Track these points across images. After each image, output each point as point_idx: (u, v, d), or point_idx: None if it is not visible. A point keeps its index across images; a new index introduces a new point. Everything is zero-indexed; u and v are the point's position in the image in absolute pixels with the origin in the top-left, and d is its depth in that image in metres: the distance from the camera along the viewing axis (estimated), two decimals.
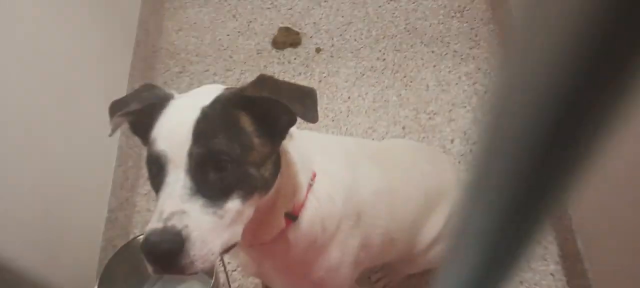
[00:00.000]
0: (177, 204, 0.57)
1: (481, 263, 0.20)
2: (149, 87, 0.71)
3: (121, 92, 1.60)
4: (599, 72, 0.11)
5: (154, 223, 0.57)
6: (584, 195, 1.22)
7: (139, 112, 0.68)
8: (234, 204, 0.61)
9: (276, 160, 0.68)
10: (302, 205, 0.75)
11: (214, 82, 1.77)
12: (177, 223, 0.56)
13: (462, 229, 0.18)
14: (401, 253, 1.03)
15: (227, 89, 0.67)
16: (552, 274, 1.30)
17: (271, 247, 0.77)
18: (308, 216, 0.75)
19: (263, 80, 0.64)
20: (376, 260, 1.01)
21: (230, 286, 1.31)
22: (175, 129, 0.62)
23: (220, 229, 0.60)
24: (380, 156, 0.97)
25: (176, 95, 0.69)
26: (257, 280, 1.34)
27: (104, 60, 1.52)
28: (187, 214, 0.57)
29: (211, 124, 0.61)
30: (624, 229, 1.06)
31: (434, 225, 1.03)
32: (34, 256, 1.07)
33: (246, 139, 0.63)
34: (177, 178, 0.59)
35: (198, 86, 1.83)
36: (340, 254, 0.82)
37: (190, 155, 0.59)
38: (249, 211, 0.64)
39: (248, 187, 0.62)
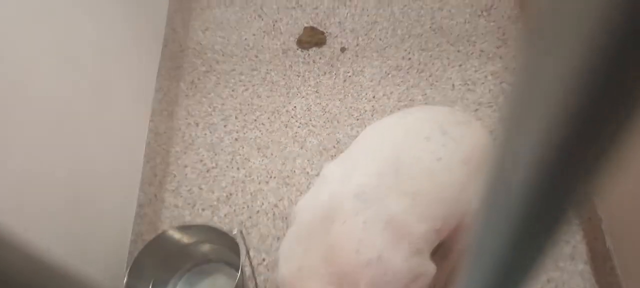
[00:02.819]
0: None
1: (504, 262, 0.20)
2: None
3: (150, 89, 1.64)
4: (625, 68, 0.11)
5: None
6: (614, 194, 1.20)
7: None
8: None
9: None
10: None
11: (240, 81, 1.80)
12: None
13: (484, 230, 0.19)
14: (457, 223, 1.03)
15: None
16: (580, 274, 1.28)
17: None
18: None
19: None
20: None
21: (255, 280, 1.32)
22: None
23: None
24: (401, 161, 0.97)
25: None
26: None
27: (133, 57, 1.55)
28: None
29: None
30: None
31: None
32: (65, 249, 1.10)
33: None
34: None
35: (225, 85, 1.86)
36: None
37: None
38: None
39: None
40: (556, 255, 1.31)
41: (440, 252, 1.28)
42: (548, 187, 0.16)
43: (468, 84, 1.68)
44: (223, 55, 1.89)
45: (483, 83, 1.67)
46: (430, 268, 0.99)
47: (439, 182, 0.95)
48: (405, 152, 0.98)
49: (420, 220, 0.92)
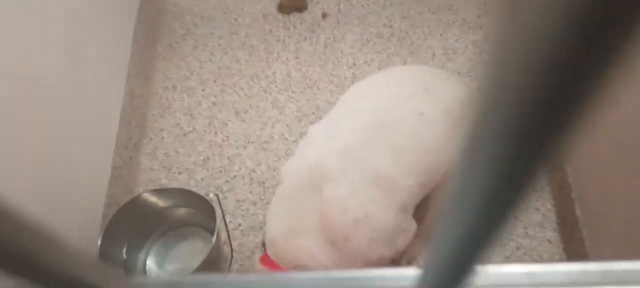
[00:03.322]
0: None
1: (475, 218, 0.20)
2: None
3: (126, 52, 1.60)
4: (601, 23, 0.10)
5: None
6: (585, 163, 1.22)
7: None
8: None
9: None
10: None
11: (219, 45, 1.77)
12: None
13: (458, 184, 0.19)
14: (441, 178, 1.05)
15: None
16: (549, 241, 1.32)
17: None
18: None
19: None
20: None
21: (231, 244, 1.33)
22: None
23: None
24: (384, 127, 0.98)
25: None
26: (257, 239, 1.37)
27: (108, 19, 1.51)
28: None
29: None
30: (622, 198, 1.07)
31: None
32: (37, 209, 1.09)
33: None
34: None
35: (203, 49, 1.83)
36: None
37: None
38: None
39: None
40: (526, 222, 1.34)
41: (419, 213, 1.31)
42: (519, 147, 0.16)
43: (448, 53, 1.68)
44: (201, 18, 1.85)
45: (463, 52, 1.68)
46: (413, 225, 1.01)
47: (422, 136, 0.97)
48: (388, 109, 0.98)
49: (405, 175, 0.94)
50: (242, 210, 1.43)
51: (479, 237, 0.19)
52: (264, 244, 1.12)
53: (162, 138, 1.58)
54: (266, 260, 1.02)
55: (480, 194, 0.19)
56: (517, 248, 1.31)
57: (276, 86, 1.66)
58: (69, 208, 1.21)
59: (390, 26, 1.76)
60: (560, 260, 1.27)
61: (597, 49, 0.11)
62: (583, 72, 0.12)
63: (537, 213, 1.36)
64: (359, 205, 0.91)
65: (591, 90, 0.13)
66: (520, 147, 0.16)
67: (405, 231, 0.99)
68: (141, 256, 1.32)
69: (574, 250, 1.25)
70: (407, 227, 1.00)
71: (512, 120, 0.15)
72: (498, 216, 0.19)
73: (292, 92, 1.64)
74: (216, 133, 1.57)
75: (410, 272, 0.28)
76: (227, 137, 1.56)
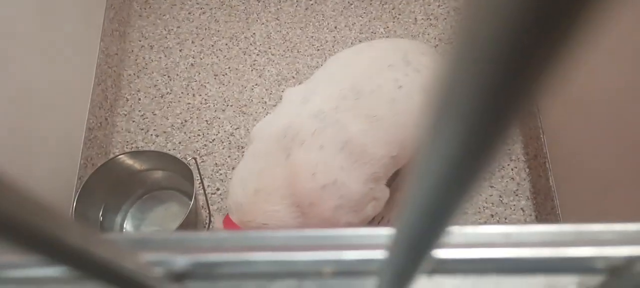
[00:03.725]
0: None
1: (445, 175, 0.20)
2: None
3: (100, 7, 1.54)
4: None
5: None
6: (560, 133, 1.24)
7: None
8: None
9: None
10: None
11: (198, 4, 1.72)
12: None
13: (427, 139, 0.18)
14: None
15: None
16: (522, 209, 1.34)
17: None
18: None
19: None
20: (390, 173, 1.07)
21: (209, 209, 1.33)
22: None
23: None
24: (360, 88, 0.97)
25: None
26: None
27: None
28: None
29: None
30: (593, 170, 1.09)
31: None
32: (8, 169, 1.06)
33: None
34: None
35: (181, 7, 1.77)
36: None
37: None
38: None
39: None
40: (501, 190, 1.37)
41: (394, 183, 1.32)
42: (490, 101, 0.15)
43: (430, 19, 1.67)
44: None
45: (445, 18, 1.67)
46: (385, 193, 1.02)
47: (398, 109, 0.96)
48: (367, 77, 0.97)
49: (377, 145, 0.93)
50: (221, 174, 1.42)
51: (450, 197, 0.19)
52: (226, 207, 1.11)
53: (139, 99, 1.55)
54: (228, 223, 1.00)
55: (450, 148, 0.18)
56: (492, 215, 1.34)
57: (256, 48, 1.63)
58: (42, 169, 1.18)
59: None
60: None
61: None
62: (552, 22, 0.12)
63: (512, 182, 1.38)
64: (328, 170, 0.91)
65: (561, 41, 0.13)
66: (487, 101, 0.16)
67: (375, 199, 0.99)
68: (118, 219, 1.31)
69: (546, 219, 1.28)
70: (379, 196, 1.00)
71: (480, 74, 0.15)
72: (467, 173, 0.19)
73: (272, 54, 1.62)
74: (194, 95, 1.55)
75: (384, 231, 0.27)
76: (205, 99, 1.54)
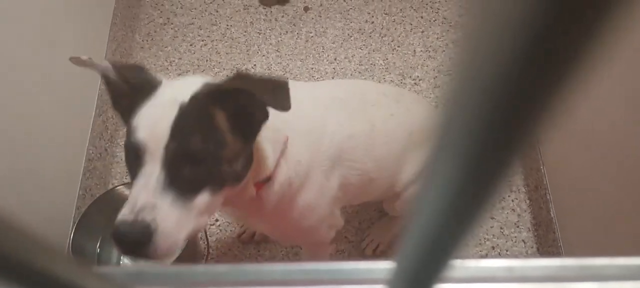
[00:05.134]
0: (149, 197, 0.62)
1: (447, 209, 0.19)
2: (140, 70, 0.73)
3: (103, 40, 1.56)
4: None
5: (126, 214, 0.61)
6: (560, 164, 1.24)
7: (125, 92, 0.71)
8: (203, 198, 0.65)
9: (249, 152, 0.71)
10: (275, 170, 0.78)
11: (199, 36, 1.74)
12: (147, 216, 0.61)
13: (430, 173, 0.18)
14: (382, 191, 1.05)
15: (206, 84, 0.68)
16: (523, 241, 1.33)
17: (247, 206, 0.82)
18: (279, 179, 0.79)
19: (239, 76, 0.66)
20: (356, 199, 1.07)
21: (208, 240, 1.31)
22: (155, 122, 0.64)
23: (187, 221, 0.64)
24: (358, 97, 0.97)
25: (164, 81, 0.70)
26: (234, 235, 1.35)
27: (85, 5, 1.47)
28: (158, 208, 0.62)
29: (188, 122, 0.64)
30: (595, 201, 1.09)
31: (417, 161, 1.02)
32: (7, 200, 1.05)
33: (220, 137, 0.66)
34: (153, 171, 0.62)
35: (182, 39, 1.79)
36: (315, 196, 0.87)
37: (167, 149, 0.62)
38: (218, 202, 0.69)
39: (219, 182, 0.67)
40: (502, 222, 1.36)
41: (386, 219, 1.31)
42: (488, 138, 0.15)
43: (429, 51, 1.69)
44: (182, 7, 1.82)
45: (444, 51, 1.68)
46: (340, 222, 1.01)
47: (373, 147, 0.95)
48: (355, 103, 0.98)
49: (333, 173, 0.91)
50: None
51: (451, 230, 0.18)
52: None
53: None
54: None
55: (451, 184, 0.18)
56: (493, 247, 1.32)
57: None
58: (40, 198, 1.17)
59: (372, 22, 1.76)
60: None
61: (565, 40, 0.10)
62: (554, 62, 0.12)
63: (512, 213, 1.37)
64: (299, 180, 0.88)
65: (561, 78, 0.13)
66: (489, 138, 0.16)
67: (331, 226, 0.99)
68: (115, 250, 1.29)
69: (547, 251, 1.26)
70: (333, 222, 0.99)
71: (482, 111, 0.15)
72: (469, 207, 0.19)
73: None
74: None
75: (384, 265, 0.27)
76: None
